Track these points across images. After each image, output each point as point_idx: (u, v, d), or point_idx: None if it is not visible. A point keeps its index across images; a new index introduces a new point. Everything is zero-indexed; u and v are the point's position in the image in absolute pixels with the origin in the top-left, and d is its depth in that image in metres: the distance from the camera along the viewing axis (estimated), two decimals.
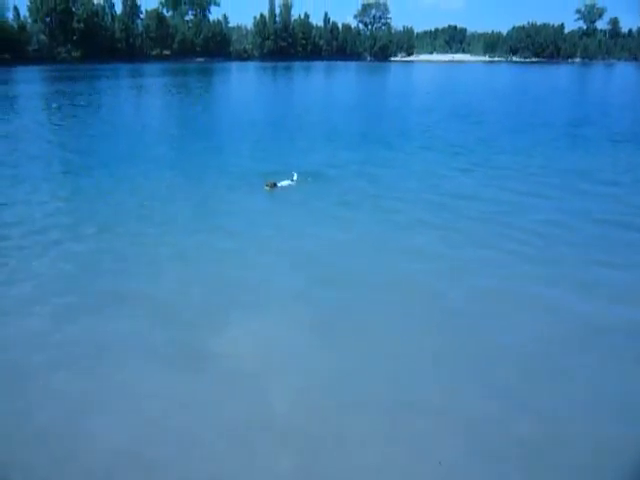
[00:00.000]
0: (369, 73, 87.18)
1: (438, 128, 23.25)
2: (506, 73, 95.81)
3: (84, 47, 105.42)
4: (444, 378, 5.74)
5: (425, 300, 7.45)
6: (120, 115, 29.56)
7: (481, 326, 6.79)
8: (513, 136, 21.64)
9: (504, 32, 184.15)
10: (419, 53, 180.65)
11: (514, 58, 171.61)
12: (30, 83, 53.58)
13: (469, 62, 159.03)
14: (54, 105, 33.27)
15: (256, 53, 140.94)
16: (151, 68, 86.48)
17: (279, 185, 12.54)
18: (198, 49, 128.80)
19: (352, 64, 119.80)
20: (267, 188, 12.32)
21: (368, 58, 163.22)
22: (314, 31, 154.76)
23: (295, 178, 12.97)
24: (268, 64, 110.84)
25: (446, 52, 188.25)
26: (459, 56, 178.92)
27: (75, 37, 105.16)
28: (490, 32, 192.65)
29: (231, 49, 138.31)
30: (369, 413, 5.24)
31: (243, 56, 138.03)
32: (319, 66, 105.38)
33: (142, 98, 40.52)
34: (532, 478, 4.51)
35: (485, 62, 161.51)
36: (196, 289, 7.78)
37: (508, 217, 10.84)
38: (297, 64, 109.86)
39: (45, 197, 12.26)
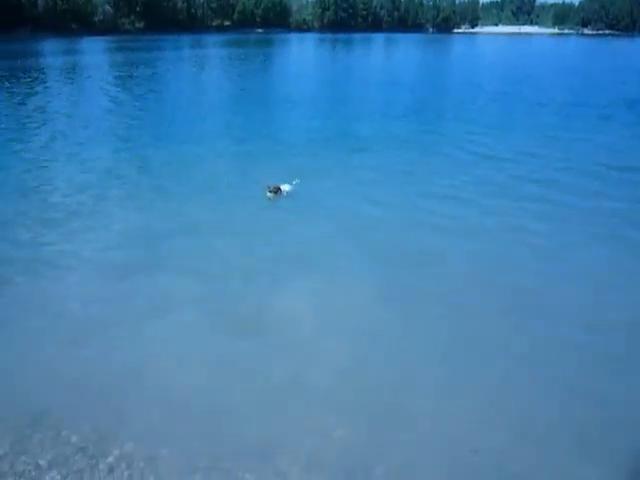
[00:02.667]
0: (432, 47, 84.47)
1: (486, 111, 21.96)
2: (577, 46, 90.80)
3: (147, 18, 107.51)
4: (500, 364, 5.61)
5: (487, 285, 7.27)
6: (181, 86, 29.95)
7: (543, 313, 6.58)
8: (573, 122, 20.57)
9: (576, 2, 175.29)
10: (484, 25, 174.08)
11: (585, 30, 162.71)
12: (97, 53, 55.17)
13: (537, 34, 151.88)
14: (117, 75, 34.14)
15: (316, 24, 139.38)
16: (212, 39, 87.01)
17: (284, 190, 10.25)
18: (258, 20, 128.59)
19: (414, 36, 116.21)
20: (270, 195, 10.03)
21: (430, 30, 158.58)
22: (375, 1, 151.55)
23: (296, 182, 10.71)
24: (328, 36, 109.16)
25: (513, 24, 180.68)
26: (526, 28, 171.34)
27: (138, 8, 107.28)
28: (561, 2, 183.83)
29: (291, 20, 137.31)
30: (420, 390, 5.22)
31: (302, 27, 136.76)
32: (379, 38, 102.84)
33: (202, 69, 40.85)
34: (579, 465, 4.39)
35: (554, 34, 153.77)
36: (252, 257, 7.89)
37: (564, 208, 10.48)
38: (357, 36, 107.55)
39: (97, 165, 12.68)
